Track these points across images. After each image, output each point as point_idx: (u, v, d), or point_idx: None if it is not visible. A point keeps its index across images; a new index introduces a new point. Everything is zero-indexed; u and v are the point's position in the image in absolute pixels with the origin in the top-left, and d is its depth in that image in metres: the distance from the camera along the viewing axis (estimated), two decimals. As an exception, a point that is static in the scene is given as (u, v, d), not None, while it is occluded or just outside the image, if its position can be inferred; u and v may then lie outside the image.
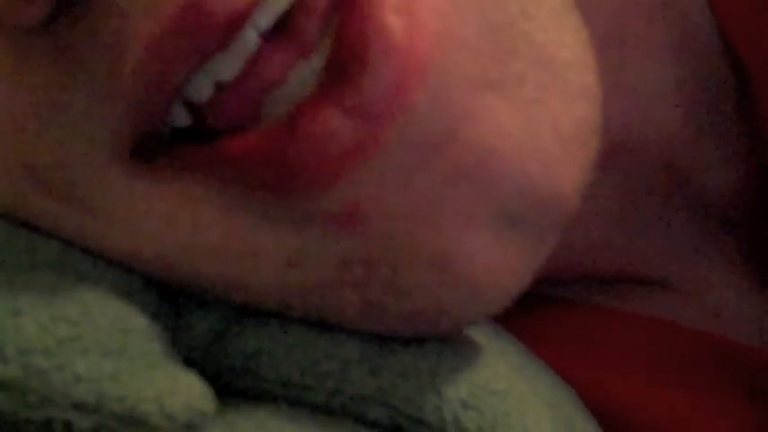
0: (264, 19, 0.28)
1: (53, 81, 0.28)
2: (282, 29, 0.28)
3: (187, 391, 0.28)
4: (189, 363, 0.30)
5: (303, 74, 0.28)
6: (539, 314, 0.43)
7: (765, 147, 0.41)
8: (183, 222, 0.29)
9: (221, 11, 0.27)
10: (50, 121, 0.28)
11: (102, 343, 0.28)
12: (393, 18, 0.28)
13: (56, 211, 0.30)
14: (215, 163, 0.28)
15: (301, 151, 0.28)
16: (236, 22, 0.27)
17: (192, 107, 0.29)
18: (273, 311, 0.31)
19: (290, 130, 0.28)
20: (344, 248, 0.29)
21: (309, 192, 0.28)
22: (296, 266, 0.29)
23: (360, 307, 0.30)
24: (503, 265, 0.29)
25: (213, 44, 0.27)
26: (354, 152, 0.28)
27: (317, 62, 0.28)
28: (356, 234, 0.29)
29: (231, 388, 0.30)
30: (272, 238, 0.29)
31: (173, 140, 0.29)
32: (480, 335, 0.34)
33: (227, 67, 0.28)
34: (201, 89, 0.28)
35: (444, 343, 0.31)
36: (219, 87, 0.28)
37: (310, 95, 0.28)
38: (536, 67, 0.30)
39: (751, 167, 0.42)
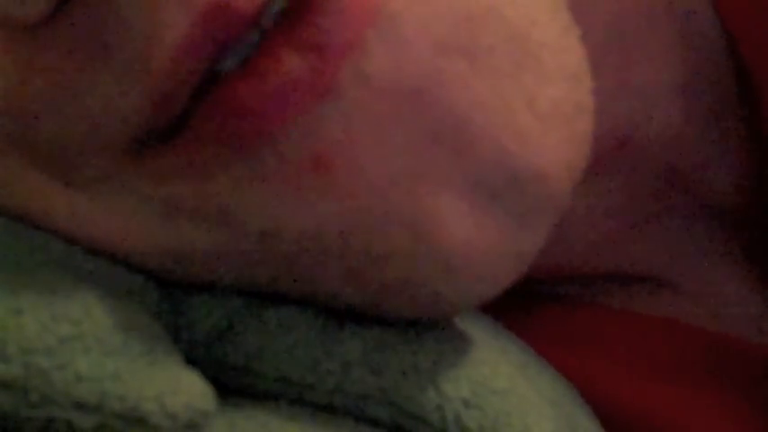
0: (267, 18, 0.28)
1: (69, 68, 0.28)
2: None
3: (188, 390, 0.28)
4: (190, 362, 0.30)
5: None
6: (540, 312, 0.43)
7: (766, 146, 0.41)
8: (160, 197, 0.29)
9: (245, 6, 0.27)
10: (61, 104, 0.28)
11: (104, 342, 0.28)
12: None
13: (47, 187, 0.29)
14: (189, 133, 0.28)
15: (252, 92, 0.27)
16: (256, 20, 0.27)
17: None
18: (267, 289, 0.30)
19: (242, 75, 0.27)
20: (317, 212, 0.28)
21: (264, 135, 0.28)
22: (271, 236, 0.29)
23: (343, 277, 0.29)
24: (479, 238, 0.29)
25: (234, 41, 0.27)
26: (307, 88, 0.27)
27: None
28: (326, 190, 0.28)
29: (232, 387, 0.30)
30: (241, 205, 0.29)
31: None
32: (481, 333, 0.34)
33: (229, 60, 0.28)
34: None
35: (445, 341, 0.31)
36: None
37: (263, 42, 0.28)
38: (506, 42, 0.29)
39: (753, 167, 0.42)
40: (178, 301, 0.31)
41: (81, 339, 0.28)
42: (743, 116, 0.41)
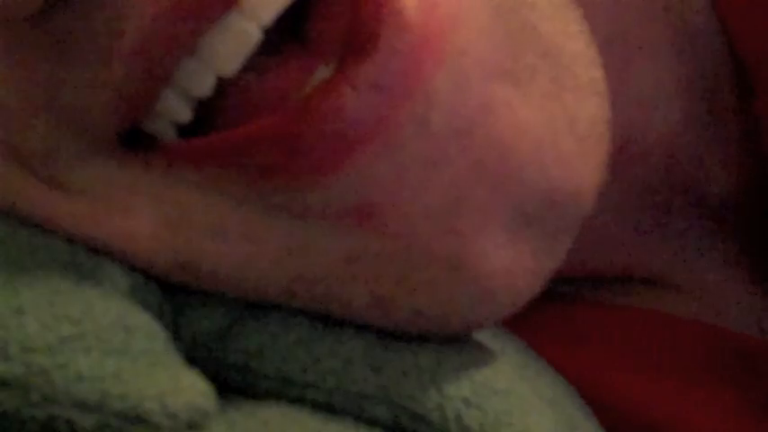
0: (266, 13, 0.28)
1: (45, 71, 0.28)
2: (295, 30, 0.28)
3: (189, 389, 0.28)
4: (191, 361, 0.30)
5: (322, 74, 0.28)
6: (540, 311, 0.42)
7: (766, 146, 0.41)
8: (174, 205, 0.29)
9: None
10: (42, 109, 0.28)
11: (105, 341, 0.28)
12: None
13: (46, 195, 0.29)
14: (221, 149, 0.28)
15: (310, 130, 0.27)
16: (229, 3, 0.27)
17: (192, 103, 0.28)
18: (278, 302, 0.30)
19: (303, 109, 0.27)
20: (353, 242, 0.28)
21: (317, 176, 0.27)
22: (298, 255, 0.28)
23: (369, 301, 0.29)
24: (516, 265, 0.29)
25: (205, 24, 0.27)
26: (368, 131, 0.27)
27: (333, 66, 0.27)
28: (367, 230, 0.28)
29: (233, 386, 0.30)
30: (273, 228, 0.28)
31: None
32: (482, 333, 0.34)
33: (228, 59, 0.28)
34: (203, 82, 0.28)
35: (446, 342, 0.31)
36: (221, 82, 0.28)
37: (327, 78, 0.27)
38: (545, 59, 0.29)
39: (752, 167, 0.42)
40: (179, 301, 0.31)
41: (82, 339, 0.28)
42: (742, 116, 0.41)
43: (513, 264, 0.29)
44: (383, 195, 0.27)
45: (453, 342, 0.32)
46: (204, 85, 0.28)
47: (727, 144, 0.41)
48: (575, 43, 0.30)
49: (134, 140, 0.29)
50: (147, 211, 0.29)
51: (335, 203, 0.27)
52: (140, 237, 0.30)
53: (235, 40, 0.27)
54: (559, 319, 0.43)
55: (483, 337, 0.34)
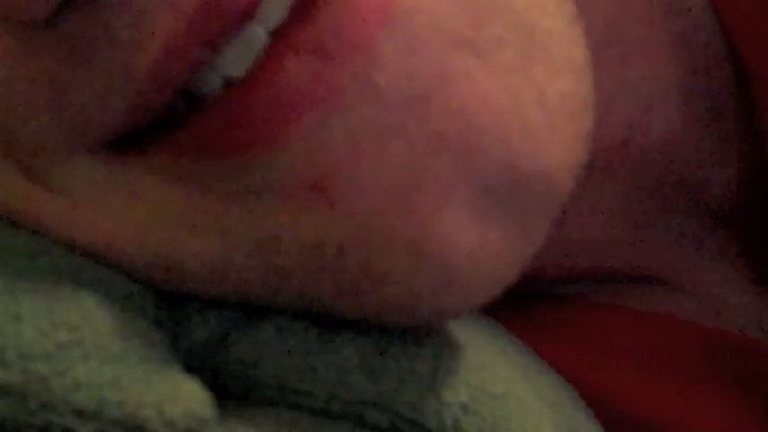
0: (274, 17, 0.27)
1: (54, 70, 0.28)
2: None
3: (187, 396, 0.28)
4: (189, 368, 0.30)
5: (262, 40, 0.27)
6: (540, 312, 0.43)
7: (766, 146, 0.41)
8: (149, 202, 0.28)
9: (236, 5, 0.26)
10: (42, 107, 0.28)
11: (103, 348, 0.28)
12: None
13: (30, 192, 0.29)
14: (184, 138, 0.27)
15: (251, 99, 0.26)
16: (247, 15, 0.26)
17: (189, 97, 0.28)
18: (263, 301, 0.30)
19: (244, 83, 0.26)
20: (317, 228, 0.27)
21: (264, 147, 0.26)
22: (269, 248, 0.28)
23: (339, 294, 0.28)
24: (482, 248, 0.27)
25: (225, 39, 0.27)
26: (310, 95, 0.26)
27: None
28: (325, 208, 0.27)
29: (231, 394, 0.30)
30: (237, 216, 0.28)
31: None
32: (480, 335, 0.34)
33: (237, 63, 0.27)
34: (212, 84, 0.28)
35: (443, 346, 0.31)
36: (227, 82, 0.28)
37: (266, 37, 0.26)
38: (514, 31, 0.28)
39: (752, 166, 0.42)
40: (176, 308, 0.31)
41: (80, 346, 0.28)
42: (741, 115, 0.41)
43: (479, 246, 0.27)
44: (338, 166, 0.26)
45: (450, 347, 0.32)
46: (212, 87, 0.28)
47: (727, 144, 0.41)
48: (550, 20, 0.29)
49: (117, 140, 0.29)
50: (127, 212, 0.29)
51: (291, 177, 0.27)
52: (121, 239, 0.29)
53: (244, 45, 0.27)
54: (559, 319, 0.43)
55: (482, 339, 0.34)
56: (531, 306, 0.43)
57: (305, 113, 0.26)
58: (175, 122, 0.28)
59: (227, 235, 0.28)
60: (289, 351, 0.30)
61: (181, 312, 0.31)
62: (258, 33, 0.27)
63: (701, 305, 0.43)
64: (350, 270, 0.28)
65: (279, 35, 0.26)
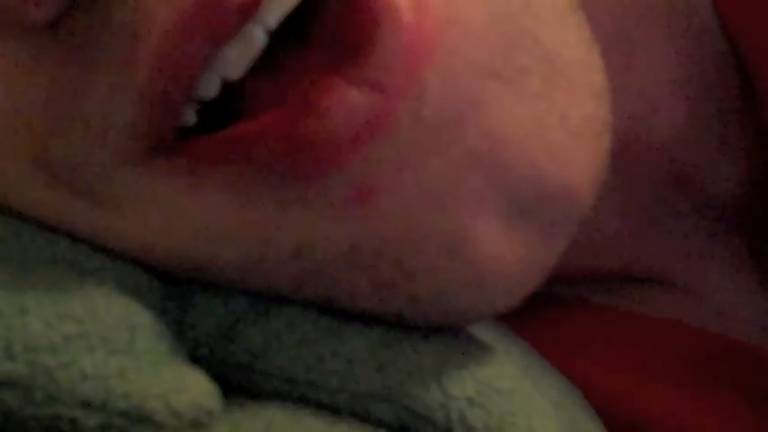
0: (272, 18, 0.28)
1: (66, 76, 0.28)
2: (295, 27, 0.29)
3: (193, 388, 0.28)
4: (195, 360, 0.30)
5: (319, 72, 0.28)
6: (544, 313, 0.43)
7: None
8: (192, 213, 0.29)
9: (233, 2, 0.27)
10: (63, 117, 0.28)
11: (109, 340, 0.28)
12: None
13: (66, 204, 0.30)
14: (225, 148, 0.28)
15: (315, 126, 0.28)
16: (246, 13, 0.27)
17: (196, 106, 0.29)
18: (284, 295, 0.31)
19: (302, 107, 0.28)
20: (354, 232, 0.29)
21: (322, 170, 0.28)
22: (305, 253, 0.29)
23: (370, 288, 0.30)
24: (510, 253, 0.30)
25: (226, 36, 0.27)
26: (369, 126, 0.28)
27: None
28: (367, 216, 0.29)
29: (237, 385, 0.30)
30: (280, 226, 0.29)
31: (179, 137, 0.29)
32: (486, 334, 0.34)
33: (235, 64, 0.28)
34: (209, 86, 0.28)
35: (450, 341, 0.31)
36: (226, 84, 0.28)
37: (321, 74, 0.28)
38: (540, 62, 0.30)
39: (755, 167, 0.42)
40: (182, 300, 0.31)
41: (86, 338, 0.28)
42: (745, 116, 0.41)
43: (507, 251, 0.30)
44: (382, 180, 0.28)
45: (457, 342, 0.32)
46: (210, 89, 0.28)
47: (731, 144, 0.41)
48: (572, 50, 0.31)
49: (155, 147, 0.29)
50: (166, 223, 0.30)
51: (338, 193, 0.28)
52: (159, 249, 0.30)
53: (242, 45, 0.28)
54: (562, 322, 0.43)
55: (487, 338, 0.34)
56: (535, 308, 0.42)
57: (362, 142, 0.28)
58: (215, 131, 0.29)
59: (265, 244, 0.29)
60: (296, 342, 0.30)
61: (187, 303, 0.31)
62: (257, 34, 0.28)
63: (705, 306, 0.43)
64: (385, 268, 0.29)
65: (334, 67, 0.28)
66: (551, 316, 0.43)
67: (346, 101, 0.28)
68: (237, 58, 0.28)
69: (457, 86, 0.29)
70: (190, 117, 0.29)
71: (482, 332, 0.34)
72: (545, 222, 0.30)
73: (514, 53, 0.30)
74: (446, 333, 0.32)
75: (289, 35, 0.29)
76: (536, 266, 0.31)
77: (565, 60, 0.30)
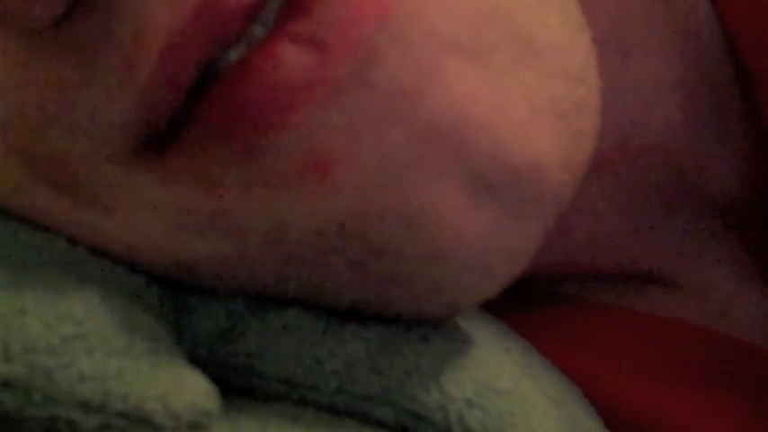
0: (272, 15, 0.28)
1: (64, 77, 0.28)
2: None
3: (192, 390, 0.28)
4: (193, 361, 0.30)
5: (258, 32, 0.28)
6: (544, 312, 0.43)
7: None
8: (168, 208, 0.29)
9: (237, 4, 0.27)
10: (55, 117, 0.28)
11: (107, 341, 0.28)
12: None
13: (56, 203, 0.29)
14: (191, 132, 0.28)
15: (251, 89, 0.27)
16: (251, 15, 0.27)
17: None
18: (275, 292, 0.31)
19: (242, 70, 0.27)
20: (318, 210, 0.28)
21: (264, 134, 0.27)
22: (278, 238, 0.29)
23: (345, 271, 0.29)
24: (473, 229, 0.29)
25: (229, 39, 0.27)
26: (307, 87, 0.27)
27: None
28: (327, 191, 0.28)
29: (235, 387, 0.30)
30: (248, 210, 0.29)
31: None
32: (485, 333, 0.34)
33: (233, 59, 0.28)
34: (207, 79, 0.28)
35: (449, 342, 0.31)
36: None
37: (264, 34, 0.27)
38: (510, 41, 0.29)
39: (754, 166, 0.42)
40: (181, 301, 0.31)
41: (84, 339, 0.28)
42: (743, 114, 0.41)
43: (468, 227, 0.29)
44: (337, 149, 0.28)
45: (456, 343, 0.32)
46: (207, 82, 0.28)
47: (729, 143, 0.41)
48: (550, 32, 0.30)
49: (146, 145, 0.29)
50: (151, 220, 0.29)
51: (292, 161, 0.28)
52: (144, 247, 0.30)
53: (245, 47, 0.28)
54: (563, 320, 0.43)
55: (486, 336, 0.34)
56: (535, 306, 0.43)
57: (304, 102, 0.27)
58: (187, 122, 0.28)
59: (240, 234, 0.29)
60: (295, 344, 0.30)
61: (186, 304, 0.31)
62: (257, 33, 0.28)
63: (706, 305, 0.43)
64: (353, 247, 0.29)
65: (275, 26, 0.27)
66: (552, 314, 0.43)
67: (280, 60, 0.27)
68: (238, 55, 0.28)
69: (413, 56, 0.28)
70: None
71: (482, 330, 0.34)
72: (513, 200, 0.29)
73: (484, 29, 0.29)
74: (444, 334, 0.32)
75: None
76: (505, 248, 0.30)
77: (539, 42, 0.30)
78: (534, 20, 0.30)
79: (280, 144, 0.28)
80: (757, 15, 0.40)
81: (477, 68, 0.29)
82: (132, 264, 0.30)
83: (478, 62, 0.29)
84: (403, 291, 0.30)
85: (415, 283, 0.30)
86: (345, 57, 0.27)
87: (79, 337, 0.28)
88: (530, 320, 0.40)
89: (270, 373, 0.30)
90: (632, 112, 0.40)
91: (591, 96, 0.31)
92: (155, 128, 0.28)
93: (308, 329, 0.30)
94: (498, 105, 0.29)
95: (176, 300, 0.31)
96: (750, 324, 0.43)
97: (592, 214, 0.41)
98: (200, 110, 0.28)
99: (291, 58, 0.27)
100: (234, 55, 0.28)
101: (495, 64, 0.29)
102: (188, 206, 0.29)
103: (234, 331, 0.31)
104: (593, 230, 0.41)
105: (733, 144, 0.41)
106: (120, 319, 0.29)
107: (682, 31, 0.40)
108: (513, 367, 0.33)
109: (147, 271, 0.31)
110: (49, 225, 0.30)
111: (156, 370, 0.28)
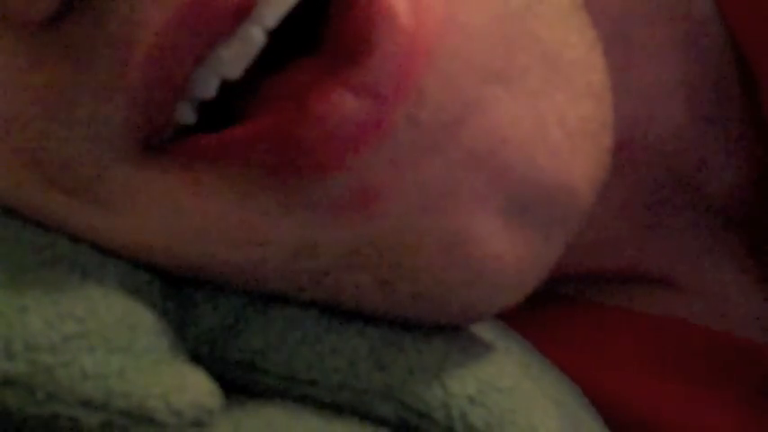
0: (270, 18, 0.28)
1: (61, 77, 0.28)
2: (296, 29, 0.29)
3: (194, 387, 0.28)
4: (195, 359, 0.30)
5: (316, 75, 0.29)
6: (545, 312, 0.43)
7: None
8: (191, 213, 0.29)
9: (226, 2, 0.27)
10: (58, 118, 0.28)
11: (109, 339, 0.28)
12: (398, 1, 0.28)
13: (63, 205, 0.30)
14: (225, 149, 0.28)
15: (311, 131, 0.28)
16: (242, 13, 0.27)
17: (196, 104, 0.29)
18: (287, 296, 0.31)
19: (298, 111, 0.28)
20: (356, 234, 0.29)
21: (319, 174, 0.28)
22: (305, 254, 0.29)
23: (373, 287, 0.30)
24: (510, 252, 0.30)
25: (219, 36, 0.27)
26: (364, 133, 0.28)
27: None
28: (369, 218, 0.29)
29: (238, 384, 0.30)
30: (281, 228, 0.29)
31: (178, 135, 0.29)
32: (486, 333, 0.34)
33: (233, 63, 0.28)
34: (207, 85, 0.28)
35: (452, 339, 0.31)
36: (225, 84, 0.28)
37: (318, 78, 0.28)
38: (540, 62, 0.30)
39: (756, 166, 0.42)
40: (183, 298, 0.31)
41: (86, 337, 0.28)
42: (745, 115, 0.41)
43: (507, 250, 0.30)
44: (382, 182, 0.28)
45: (458, 340, 0.32)
46: (208, 89, 0.28)
47: (732, 144, 0.41)
48: (573, 50, 0.31)
49: (153, 145, 0.29)
50: (163, 223, 0.29)
51: (338, 196, 0.28)
52: (156, 250, 0.30)
53: (239, 44, 0.28)
54: (563, 320, 0.43)
55: (488, 335, 0.34)
56: (535, 306, 0.42)
57: (361, 145, 0.28)
58: (213, 130, 0.29)
59: (265, 246, 0.29)
60: (297, 340, 0.30)
61: (188, 302, 0.31)
62: (255, 34, 0.28)
63: (707, 305, 0.43)
64: (386, 267, 0.30)
65: (331, 72, 0.28)
66: (553, 315, 0.43)
67: (341, 107, 0.28)
68: (235, 57, 0.28)
69: (456, 89, 0.29)
70: (188, 116, 0.29)
71: (483, 331, 0.34)
72: (545, 221, 0.30)
73: (515, 53, 0.30)
74: (447, 332, 0.32)
75: (301, 39, 0.29)
76: (536, 265, 0.31)
77: (566, 60, 0.31)
78: (558, 37, 0.31)
79: (329, 181, 0.28)
80: (759, 16, 0.40)
81: (512, 93, 0.29)
82: (141, 262, 0.30)
83: (513, 86, 0.29)
84: (433, 308, 0.31)
85: (447, 302, 0.30)
86: (400, 103, 0.28)
87: (81, 334, 0.28)
88: (530, 320, 0.40)
89: (272, 369, 0.30)
90: (635, 114, 0.40)
91: (609, 113, 0.32)
92: (157, 127, 0.28)
93: (310, 325, 0.30)
94: (534, 129, 0.30)
95: (178, 297, 0.31)
96: (750, 323, 0.43)
97: (593, 215, 0.41)
98: (244, 131, 0.28)
99: (348, 103, 0.28)
100: (230, 54, 0.28)
101: (528, 87, 0.30)
102: (216, 214, 0.29)
103: (236, 328, 0.30)
104: (594, 231, 0.41)
105: (735, 144, 0.42)
106: (122, 316, 0.28)
107: (685, 33, 0.40)
108: (514, 366, 0.33)
109: (151, 267, 0.31)
110: (54, 225, 0.30)
111: (158, 368, 0.28)
